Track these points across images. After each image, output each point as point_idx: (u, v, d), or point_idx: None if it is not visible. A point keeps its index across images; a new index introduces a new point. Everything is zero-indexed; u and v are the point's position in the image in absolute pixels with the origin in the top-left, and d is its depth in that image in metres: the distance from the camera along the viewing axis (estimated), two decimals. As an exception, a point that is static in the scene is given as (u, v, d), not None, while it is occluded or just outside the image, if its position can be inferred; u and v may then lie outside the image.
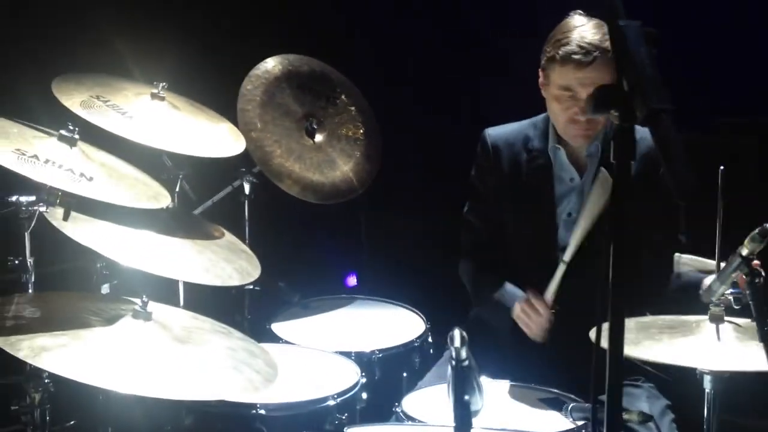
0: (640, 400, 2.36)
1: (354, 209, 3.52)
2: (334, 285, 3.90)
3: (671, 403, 2.39)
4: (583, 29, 2.40)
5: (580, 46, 2.36)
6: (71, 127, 2.18)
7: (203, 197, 3.23)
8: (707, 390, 1.91)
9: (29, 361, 1.83)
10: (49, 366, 1.83)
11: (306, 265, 3.75)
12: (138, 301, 2.17)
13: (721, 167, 1.78)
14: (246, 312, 3.27)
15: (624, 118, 1.23)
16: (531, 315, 2.47)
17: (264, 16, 3.67)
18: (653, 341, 1.92)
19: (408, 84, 3.87)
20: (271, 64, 3.23)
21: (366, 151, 3.30)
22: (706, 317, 2.00)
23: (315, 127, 3.26)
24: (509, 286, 2.59)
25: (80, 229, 2.29)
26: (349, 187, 3.24)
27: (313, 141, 3.26)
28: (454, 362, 1.67)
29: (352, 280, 4.07)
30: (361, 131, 3.32)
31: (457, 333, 1.68)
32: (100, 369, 1.85)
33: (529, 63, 3.58)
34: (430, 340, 2.96)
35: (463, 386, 1.61)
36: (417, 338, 2.91)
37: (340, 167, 3.25)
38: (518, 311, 2.51)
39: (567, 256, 2.42)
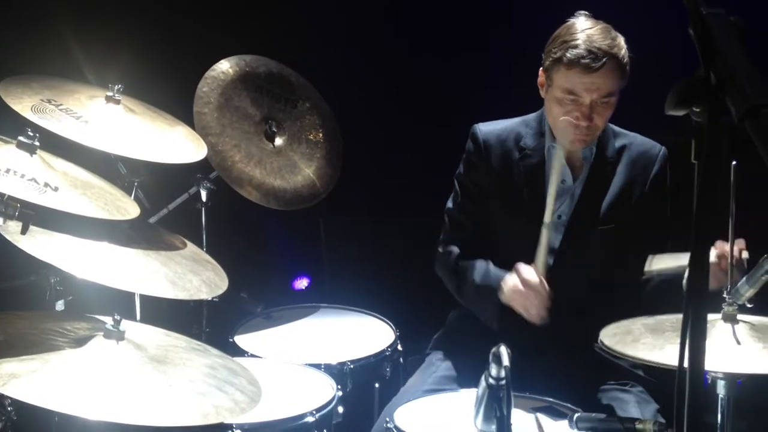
0: (630, 405, 2.33)
1: (313, 214, 3.41)
2: (296, 293, 3.78)
3: (661, 407, 2.36)
4: (591, 32, 2.34)
5: (590, 51, 2.30)
6: (30, 134, 2.02)
7: (157, 205, 3.07)
8: (721, 396, 1.86)
9: (-2, 390, 1.67)
10: (19, 394, 1.67)
11: (266, 274, 3.63)
12: (103, 319, 2.03)
13: (734, 162, 1.74)
14: (204, 324, 3.12)
15: (712, 115, 1.14)
16: (526, 293, 2.30)
17: (223, 16, 3.52)
18: (661, 342, 1.86)
19: (368, 84, 3.77)
20: (227, 66, 3.10)
21: (327, 154, 3.20)
22: (719, 316, 1.93)
23: (274, 130, 3.14)
24: (493, 268, 2.45)
25: (35, 243, 2.13)
26: (312, 192, 3.13)
27: (273, 145, 3.14)
28: (494, 380, 1.58)
29: (301, 283, 3.94)
30: (321, 134, 3.22)
31: (504, 351, 1.59)
32: (77, 396, 1.71)
33: (496, 65, 3.60)
34: (399, 348, 2.89)
35: (509, 406, 1.52)
36: (388, 347, 2.83)
37: (302, 171, 3.14)
38: (510, 292, 2.34)
39: (547, 217, 2.34)
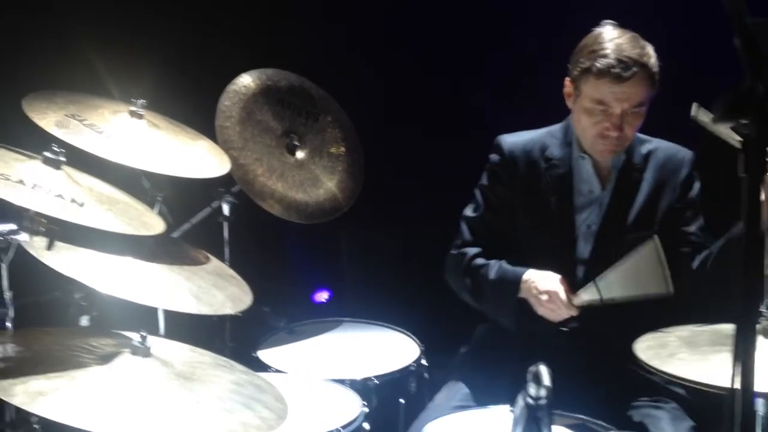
0: (664, 422, 2.28)
1: (334, 228, 3.38)
2: (318, 307, 3.76)
3: (696, 424, 2.31)
4: (620, 41, 2.31)
5: (620, 60, 2.27)
6: (56, 149, 2.01)
7: (179, 219, 3.06)
8: (760, 413, 1.82)
9: (26, 408, 1.65)
10: (47, 412, 1.65)
11: (288, 288, 3.61)
12: (129, 335, 2.02)
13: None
14: (227, 339, 3.10)
15: (762, 127, 1.11)
16: (547, 301, 2.33)
17: (243, 29, 3.51)
18: (697, 357, 1.82)
19: (388, 97, 3.75)
20: (248, 79, 3.09)
21: (349, 167, 3.18)
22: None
23: (296, 143, 3.13)
24: (510, 266, 2.45)
25: (60, 259, 2.12)
26: (334, 205, 3.11)
27: (295, 158, 3.13)
28: (532, 400, 1.55)
29: (321, 296, 3.92)
30: (343, 147, 3.20)
31: (544, 370, 1.56)
32: (105, 413, 1.69)
33: (515, 76, 3.58)
34: (424, 363, 2.85)
35: (549, 427, 1.49)
36: (413, 362, 2.80)
37: (324, 185, 3.13)
38: (541, 284, 2.35)
39: (605, 294, 2.31)
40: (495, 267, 2.48)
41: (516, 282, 2.40)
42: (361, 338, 3.02)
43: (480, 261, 2.52)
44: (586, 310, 2.38)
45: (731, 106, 1.15)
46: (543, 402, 1.55)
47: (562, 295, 2.33)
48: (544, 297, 2.34)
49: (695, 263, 2.41)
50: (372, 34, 3.75)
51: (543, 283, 2.36)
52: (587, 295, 2.34)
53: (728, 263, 2.32)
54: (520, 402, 1.60)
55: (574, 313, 2.34)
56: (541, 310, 2.37)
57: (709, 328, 1.95)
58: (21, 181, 1.91)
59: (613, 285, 2.30)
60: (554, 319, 2.36)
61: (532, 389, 1.60)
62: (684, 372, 1.79)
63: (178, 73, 3.33)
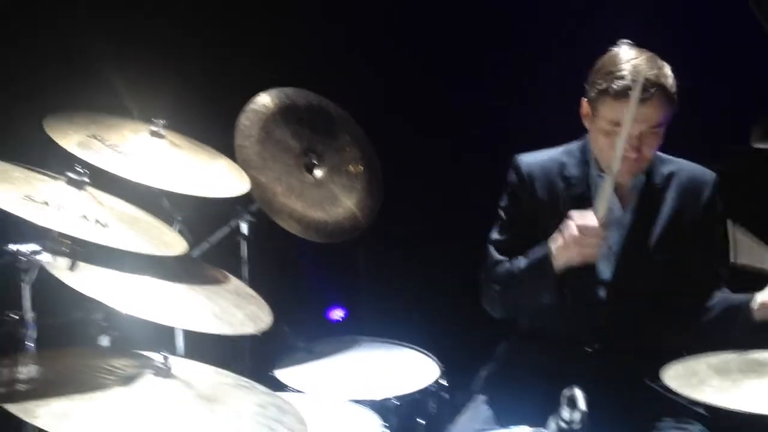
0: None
1: (352, 246, 3.38)
2: (336, 326, 3.75)
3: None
4: (637, 62, 2.29)
5: (637, 82, 2.25)
6: (80, 170, 2.02)
7: (198, 238, 3.06)
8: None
9: (50, 430, 1.65)
10: (71, 435, 1.65)
11: (306, 306, 3.60)
12: (151, 355, 2.01)
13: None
14: (246, 359, 3.10)
15: None
16: (581, 238, 2.21)
17: (262, 48, 3.52)
18: (728, 384, 1.79)
19: (406, 115, 3.75)
20: (267, 99, 3.10)
21: (367, 185, 3.18)
22: None
23: (315, 162, 3.13)
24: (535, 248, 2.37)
25: (81, 279, 2.13)
26: (353, 224, 3.11)
27: (314, 177, 3.13)
28: (565, 424, 1.53)
29: (336, 314, 3.90)
30: (362, 165, 3.20)
31: (579, 394, 1.54)
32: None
33: (539, 92, 3.57)
34: (444, 383, 2.83)
35: None
36: (433, 383, 2.78)
37: (343, 203, 3.12)
38: (564, 243, 2.24)
39: (615, 166, 2.24)
40: (520, 258, 2.43)
41: (545, 254, 2.31)
42: (379, 357, 3.01)
43: (506, 265, 2.47)
44: (607, 330, 2.36)
45: None
46: (577, 427, 1.53)
47: (584, 221, 2.23)
48: (575, 236, 2.23)
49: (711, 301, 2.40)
50: (395, 51, 3.76)
51: (566, 232, 2.26)
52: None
53: (726, 329, 2.31)
54: (552, 426, 1.58)
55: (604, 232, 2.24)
56: (578, 254, 2.25)
57: (739, 356, 1.92)
58: (45, 202, 1.91)
59: None
60: (591, 255, 2.25)
61: (565, 413, 1.58)
62: (715, 399, 1.76)
63: (198, 92, 3.34)
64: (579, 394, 1.57)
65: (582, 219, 2.25)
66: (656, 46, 2.40)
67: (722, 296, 2.39)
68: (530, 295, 2.42)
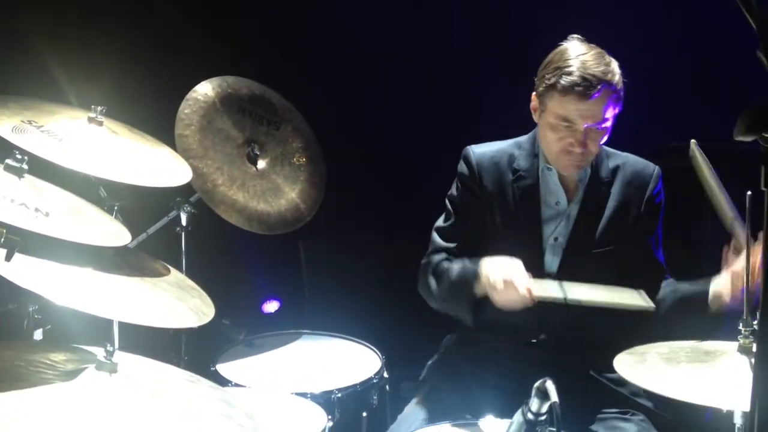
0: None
1: (292, 237, 3.34)
2: (277, 319, 3.70)
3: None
4: (585, 58, 2.31)
5: (584, 78, 2.27)
6: (19, 156, 1.93)
7: (136, 229, 2.97)
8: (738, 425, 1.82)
9: (-13, 427, 1.58)
10: (11, 433, 1.58)
11: (246, 299, 3.54)
12: (91, 349, 1.94)
13: (749, 192, 1.73)
14: (183, 352, 3.03)
15: None
16: (512, 287, 2.23)
17: (205, 37, 3.45)
18: (676, 373, 1.82)
19: (350, 106, 3.72)
20: (208, 87, 3.03)
21: (311, 177, 3.14)
22: (733, 347, 1.87)
23: (257, 153, 3.08)
24: (470, 262, 2.39)
25: (15, 269, 2.04)
26: (296, 215, 3.07)
27: (256, 168, 3.08)
28: (533, 416, 1.52)
29: (271, 306, 3.84)
30: (305, 156, 3.16)
31: (550, 386, 1.53)
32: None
33: (481, 88, 3.57)
34: (386, 375, 2.83)
35: None
36: (375, 375, 2.77)
37: (286, 195, 3.08)
38: (496, 273, 2.25)
39: (570, 296, 2.26)
40: (458, 264, 2.45)
41: (474, 275, 2.33)
42: (321, 350, 2.99)
43: (445, 264, 2.50)
44: (554, 321, 2.38)
45: (755, 120, 1.15)
46: (543, 418, 1.54)
47: (519, 282, 2.23)
48: (500, 285, 2.24)
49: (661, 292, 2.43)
50: (339, 37, 3.72)
51: (499, 272, 2.27)
52: (551, 291, 2.26)
53: (681, 320, 2.35)
54: (518, 417, 1.58)
55: (529, 303, 2.24)
56: (497, 299, 2.26)
57: (688, 345, 1.96)
58: (-19, 190, 1.83)
59: (582, 288, 2.28)
60: (511, 309, 2.26)
61: (534, 404, 1.58)
62: (663, 388, 1.79)
63: (139, 79, 3.26)
64: (551, 386, 1.57)
65: (516, 275, 2.25)
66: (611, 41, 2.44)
67: (672, 287, 2.43)
68: (454, 305, 2.46)
